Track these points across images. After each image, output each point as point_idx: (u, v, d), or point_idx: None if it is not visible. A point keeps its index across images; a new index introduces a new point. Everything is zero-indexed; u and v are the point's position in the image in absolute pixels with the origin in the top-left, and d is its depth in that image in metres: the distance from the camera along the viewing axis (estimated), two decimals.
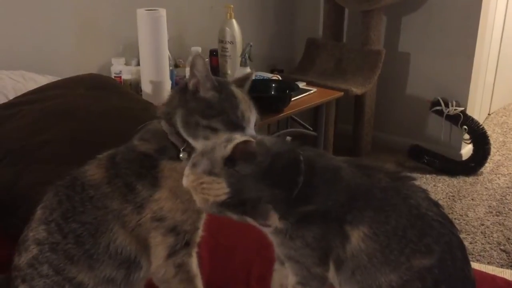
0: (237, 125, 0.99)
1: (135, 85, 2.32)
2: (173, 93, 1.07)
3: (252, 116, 1.02)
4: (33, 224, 1.02)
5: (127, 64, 2.41)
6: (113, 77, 2.31)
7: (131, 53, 2.43)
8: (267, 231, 0.95)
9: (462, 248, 0.96)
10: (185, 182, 0.86)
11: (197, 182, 0.84)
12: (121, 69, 2.35)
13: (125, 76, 2.33)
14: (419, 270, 0.89)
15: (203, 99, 1.00)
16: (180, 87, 1.06)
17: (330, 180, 0.93)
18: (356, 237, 0.91)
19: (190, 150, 1.00)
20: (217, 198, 0.82)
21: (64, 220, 0.98)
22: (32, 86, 1.84)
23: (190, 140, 1.00)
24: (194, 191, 0.85)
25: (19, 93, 1.78)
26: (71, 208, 0.99)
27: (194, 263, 1.04)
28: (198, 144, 0.97)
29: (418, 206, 0.93)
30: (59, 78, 1.92)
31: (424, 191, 0.98)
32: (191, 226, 1.01)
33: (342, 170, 0.95)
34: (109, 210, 0.98)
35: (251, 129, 1.00)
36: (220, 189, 0.82)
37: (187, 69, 2.23)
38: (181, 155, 1.00)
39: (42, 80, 1.93)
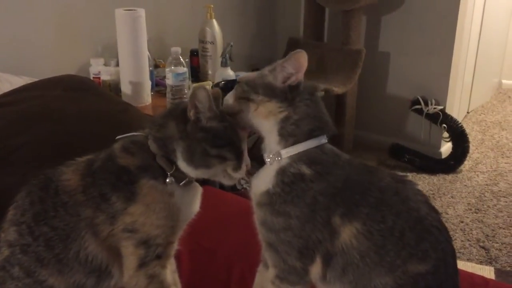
0: (241, 153, 1.02)
1: (115, 86, 2.29)
2: (164, 118, 1.03)
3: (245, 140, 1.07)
4: (5, 225, 1.00)
5: (106, 64, 2.38)
6: (92, 78, 2.28)
7: (110, 54, 2.40)
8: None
9: (454, 256, 0.96)
10: None
11: None
12: (100, 70, 2.32)
13: (104, 77, 2.30)
14: (413, 276, 0.89)
15: (209, 129, 0.99)
16: (173, 114, 1.03)
17: (333, 163, 0.95)
18: (348, 233, 0.90)
19: (178, 175, 1.00)
20: None
21: (36, 223, 0.97)
22: (7, 88, 1.80)
23: (194, 169, 1.00)
24: None
25: None
26: (42, 211, 0.98)
27: (168, 275, 1.03)
28: (200, 173, 1.00)
29: (418, 209, 0.93)
30: (36, 80, 1.89)
31: (425, 196, 0.97)
32: (164, 240, 1.00)
33: (347, 159, 0.96)
34: (82, 218, 0.97)
35: (245, 152, 1.05)
36: None
37: (167, 70, 2.21)
38: (167, 180, 0.99)
39: (18, 81, 1.89)
